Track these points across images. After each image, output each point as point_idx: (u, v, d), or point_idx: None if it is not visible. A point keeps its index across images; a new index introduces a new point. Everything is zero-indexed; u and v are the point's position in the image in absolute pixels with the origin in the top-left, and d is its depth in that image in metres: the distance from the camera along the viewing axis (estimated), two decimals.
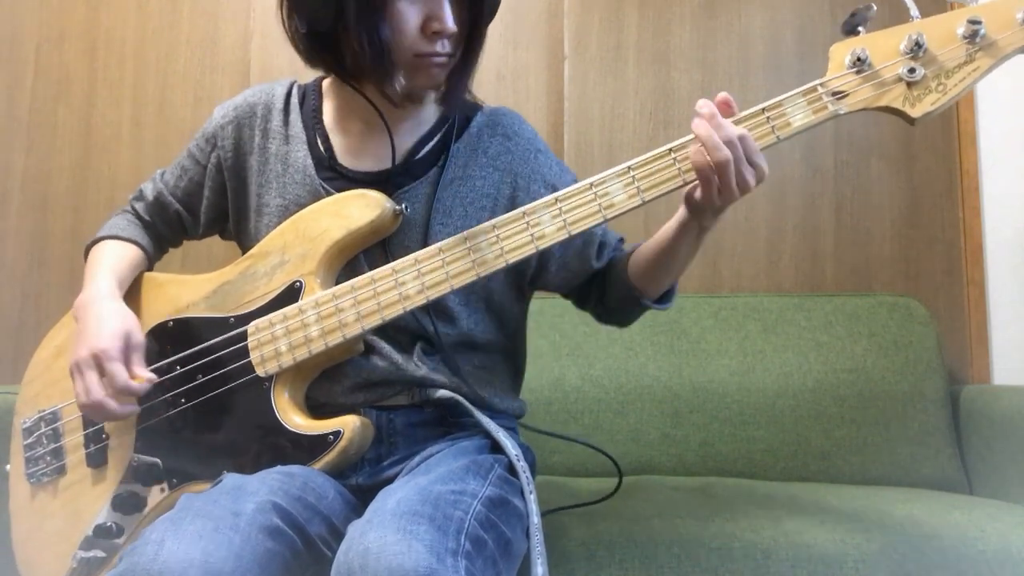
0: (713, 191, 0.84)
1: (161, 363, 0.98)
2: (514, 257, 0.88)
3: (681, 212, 0.92)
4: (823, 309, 1.64)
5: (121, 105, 1.94)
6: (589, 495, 1.14)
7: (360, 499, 0.91)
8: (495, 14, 0.99)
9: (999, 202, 1.74)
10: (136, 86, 1.94)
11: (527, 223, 0.89)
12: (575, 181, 0.97)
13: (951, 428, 1.54)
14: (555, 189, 0.94)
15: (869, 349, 1.58)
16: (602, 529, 1.04)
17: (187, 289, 1.01)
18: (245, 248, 1.06)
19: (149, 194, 1.11)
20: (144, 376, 0.93)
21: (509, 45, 1.88)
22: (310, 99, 1.07)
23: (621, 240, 1.09)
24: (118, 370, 0.91)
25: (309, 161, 1.01)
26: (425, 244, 0.94)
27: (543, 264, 1.05)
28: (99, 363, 0.91)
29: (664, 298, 1.03)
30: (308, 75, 1.08)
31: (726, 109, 0.85)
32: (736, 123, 0.84)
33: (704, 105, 0.84)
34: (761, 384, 1.57)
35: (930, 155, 1.80)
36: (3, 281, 1.90)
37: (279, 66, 1.92)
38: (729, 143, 0.81)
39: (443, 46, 0.93)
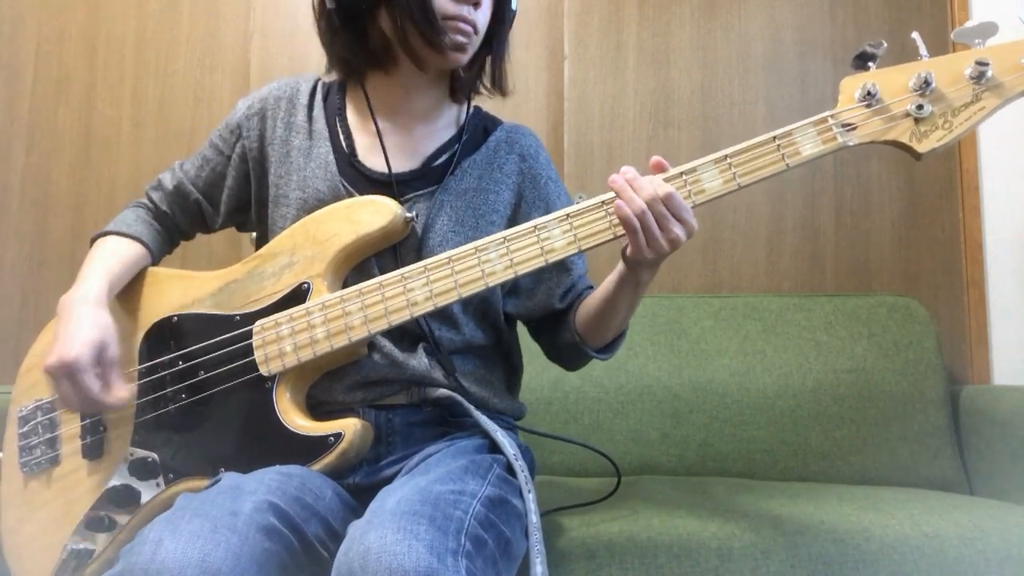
0: (640, 243, 0.85)
1: (163, 358, 0.98)
2: (523, 269, 0.89)
3: (620, 266, 0.93)
4: (823, 309, 1.64)
5: (121, 105, 1.94)
6: (589, 495, 1.14)
7: (357, 498, 0.91)
8: (514, 18, 1.03)
9: (999, 202, 1.74)
10: (136, 86, 1.94)
11: (538, 236, 0.89)
12: None
13: (951, 428, 1.54)
14: None
15: (869, 349, 1.58)
16: (602, 529, 1.04)
17: (193, 286, 1.02)
18: (264, 239, 1.07)
19: (168, 183, 1.11)
20: (119, 395, 0.92)
21: (509, 45, 1.88)
22: (334, 96, 1.08)
23: (590, 288, 1.08)
24: (90, 383, 0.90)
25: (331, 157, 1.02)
26: (435, 251, 0.95)
27: (513, 289, 1.07)
28: (69, 374, 0.89)
29: (608, 348, 1.04)
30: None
31: (657, 170, 0.87)
32: (689, 172, 0.86)
33: (627, 169, 0.86)
34: (761, 384, 1.57)
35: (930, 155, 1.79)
36: (3, 281, 1.90)
37: (279, 66, 1.92)
38: (650, 199, 0.83)
39: (470, 12, 0.96)
